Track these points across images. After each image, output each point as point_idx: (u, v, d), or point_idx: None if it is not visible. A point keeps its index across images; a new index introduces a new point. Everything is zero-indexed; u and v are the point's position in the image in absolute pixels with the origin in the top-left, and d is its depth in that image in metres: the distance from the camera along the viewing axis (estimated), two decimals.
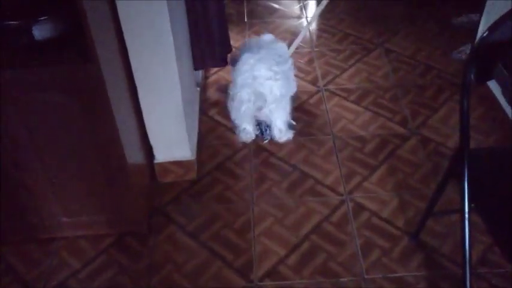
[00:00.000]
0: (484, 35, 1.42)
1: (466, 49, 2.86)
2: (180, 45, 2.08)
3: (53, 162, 1.82)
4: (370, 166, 2.31)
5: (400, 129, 2.50)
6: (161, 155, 2.20)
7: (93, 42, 1.49)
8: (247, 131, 2.46)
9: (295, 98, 2.62)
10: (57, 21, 1.58)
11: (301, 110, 2.64)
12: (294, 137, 2.47)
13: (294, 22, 3.41)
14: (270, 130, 2.49)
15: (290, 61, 2.55)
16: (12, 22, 1.53)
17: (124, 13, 1.77)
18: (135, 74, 1.93)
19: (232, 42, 3.10)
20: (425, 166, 2.29)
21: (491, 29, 1.41)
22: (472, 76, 1.44)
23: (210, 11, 2.42)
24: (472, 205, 1.41)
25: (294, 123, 2.55)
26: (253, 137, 2.48)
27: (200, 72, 2.77)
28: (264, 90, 2.34)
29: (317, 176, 2.27)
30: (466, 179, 1.38)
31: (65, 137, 1.76)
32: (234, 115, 2.48)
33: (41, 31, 1.55)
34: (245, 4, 3.60)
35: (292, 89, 2.57)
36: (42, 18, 1.55)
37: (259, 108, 2.40)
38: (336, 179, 2.26)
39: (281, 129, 2.46)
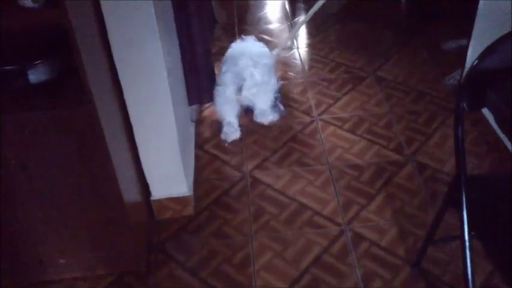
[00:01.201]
0: (475, 63, 1.44)
1: (458, 74, 2.89)
2: (174, 81, 2.10)
3: (49, 203, 1.81)
4: (367, 195, 2.31)
5: (396, 156, 2.51)
6: (158, 192, 2.20)
7: (89, 84, 1.50)
8: (231, 125, 2.65)
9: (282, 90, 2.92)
10: (52, 65, 1.59)
11: (296, 141, 2.65)
12: (290, 168, 2.48)
13: (285, 53, 3.44)
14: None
15: (272, 58, 2.85)
16: (7, 67, 1.54)
17: (118, 53, 1.78)
18: (130, 112, 1.94)
19: None
20: (422, 193, 2.29)
21: (481, 57, 1.44)
22: (465, 104, 1.45)
23: (196, 50, 2.43)
24: (472, 233, 1.41)
25: (282, 108, 2.80)
26: (237, 135, 2.66)
27: (195, 106, 2.79)
28: (243, 73, 2.56)
29: (315, 207, 2.27)
30: (464, 207, 1.38)
31: (61, 178, 1.76)
32: (218, 109, 2.67)
33: (36, 75, 1.56)
34: (237, 37, 3.63)
35: (274, 80, 2.77)
36: (37, 62, 1.56)
37: (239, 89, 2.58)
38: (334, 209, 2.25)
39: (263, 110, 2.69)
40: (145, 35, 1.76)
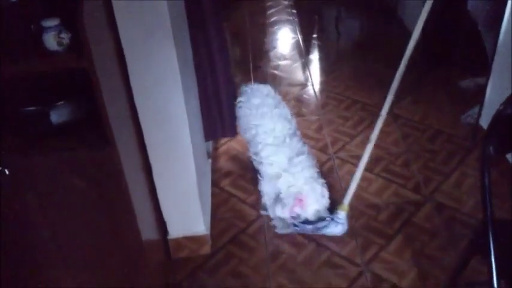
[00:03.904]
0: (501, 108, 1.43)
1: (474, 113, 2.88)
2: (192, 118, 2.10)
3: (67, 241, 1.80)
4: (386, 235, 2.27)
5: (414, 196, 2.48)
6: (175, 231, 2.18)
7: (111, 126, 1.50)
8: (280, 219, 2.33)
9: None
10: (74, 106, 1.60)
11: None
12: None
13: (299, 90, 3.45)
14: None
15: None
16: (30, 108, 1.55)
17: (139, 95, 1.80)
18: (149, 152, 1.94)
19: None
20: (442, 234, 2.25)
21: (508, 102, 1.42)
22: (491, 149, 1.44)
23: (219, 81, 2.45)
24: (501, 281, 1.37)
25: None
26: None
27: (210, 143, 2.79)
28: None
29: (333, 247, 2.23)
30: (493, 256, 1.35)
31: (80, 217, 1.75)
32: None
33: (58, 116, 1.57)
34: (251, 73, 3.66)
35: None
36: (59, 103, 1.57)
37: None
38: (352, 249, 2.22)
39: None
40: (166, 77, 1.78)
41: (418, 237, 2.24)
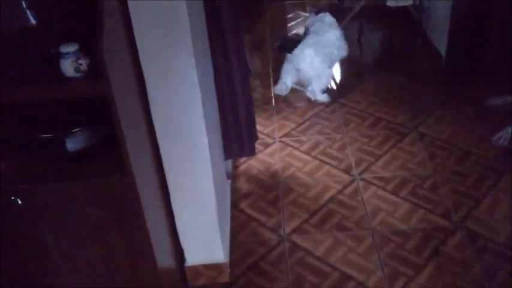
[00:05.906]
0: None
1: (507, 134, 2.75)
2: (213, 140, 2.01)
3: (82, 269, 1.73)
4: (414, 265, 2.16)
5: (444, 222, 2.36)
6: (193, 258, 2.09)
7: (128, 155, 1.42)
8: (285, 84, 3.38)
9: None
10: (90, 133, 1.52)
11: (336, 202, 2.52)
12: (331, 233, 2.34)
13: (321, 106, 3.35)
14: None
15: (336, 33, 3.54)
16: (46, 135, 1.48)
17: (159, 122, 1.73)
18: (168, 179, 1.86)
19: (261, 128, 3.06)
20: (476, 265, 2.13)
21: None
22: None
23: (237, 99, 2.37)
24: None
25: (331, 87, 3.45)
26: (288, 89, 3.38)
27: (229, 162, 2.70)
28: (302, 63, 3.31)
29: (358, 277, 2.12)
30: None
31: (95, 246, 1.68)
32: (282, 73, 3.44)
33: (74, 143, 1.50)
34: (272, 88, 3.56)
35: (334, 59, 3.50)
36: (75, 130, 1.49)
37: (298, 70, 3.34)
38: (378, 280, 2.10)
39: (313, 90, 3.30)
40: (187, 102, 1.70)
41: (450, 269, 2.12)
